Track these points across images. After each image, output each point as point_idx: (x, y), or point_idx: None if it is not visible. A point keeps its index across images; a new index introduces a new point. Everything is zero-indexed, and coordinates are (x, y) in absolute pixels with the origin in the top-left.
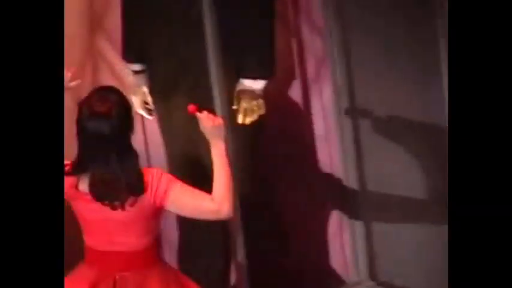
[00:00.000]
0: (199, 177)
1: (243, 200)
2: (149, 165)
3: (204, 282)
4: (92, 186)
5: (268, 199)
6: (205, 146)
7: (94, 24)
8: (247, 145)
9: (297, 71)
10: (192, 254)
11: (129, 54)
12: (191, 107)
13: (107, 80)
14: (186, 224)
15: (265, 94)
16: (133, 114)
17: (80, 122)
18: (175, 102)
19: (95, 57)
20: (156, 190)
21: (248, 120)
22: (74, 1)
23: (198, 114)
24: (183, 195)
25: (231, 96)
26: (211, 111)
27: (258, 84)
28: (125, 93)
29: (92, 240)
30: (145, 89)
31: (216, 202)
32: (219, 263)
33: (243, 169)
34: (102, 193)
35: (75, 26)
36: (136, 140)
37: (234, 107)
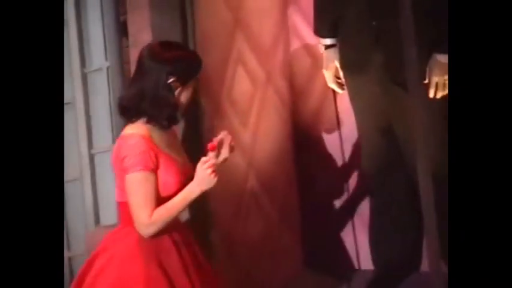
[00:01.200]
0: (390, 148)
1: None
2: (340, 138)
3: None
4: None
5: None
6: (396, 118)
7: None
8: (439, 120)
9: None
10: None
11: (321, 29)
12: (211, 145)
13: (299, 54)
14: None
15: None
16: None
17: None
18: (366, 77)
19: (287, 32)
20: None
21: (439, 95)
22: None
23: (204, 158)
24: (138, 187)
25: (423, 70)
26: (232, 148)
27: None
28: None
29: None
30: (336, 63)
31: (152, 218)
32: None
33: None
34: None
35: (267, 2)
36: (329, 114)
37: (426, 81)
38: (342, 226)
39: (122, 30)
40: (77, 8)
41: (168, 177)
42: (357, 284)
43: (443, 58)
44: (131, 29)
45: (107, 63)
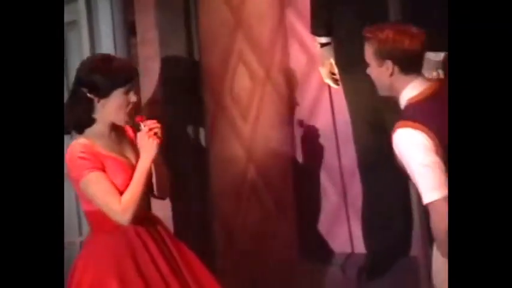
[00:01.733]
0: (381, 142)
1: None
2: (335, 131)
3: None
4: None
5: None
6: (389, 113)
7: (285, 0)
8: None
9: None
10: None
11: (317, 28)
12: (139, 118)
13: (296, 53)
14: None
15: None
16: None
17: None
18: (360, 73)
19: (285, 31)
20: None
21: None
22: None
23: (141, 127)
24: (94, 186)
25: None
26: (158, 124)
27: (438, 57)
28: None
29: None
30: (331, 60)
31: (122, 205)
32: None
33: None
34: None
35: (266, 4)
36: (324, 108)
37: None
38: (336, 214)
39: (130, 29)
40: (88, 9)
41: (116, 176)
42: (350, 267)
43: (431, 55)
44: (139, 28)
45: None
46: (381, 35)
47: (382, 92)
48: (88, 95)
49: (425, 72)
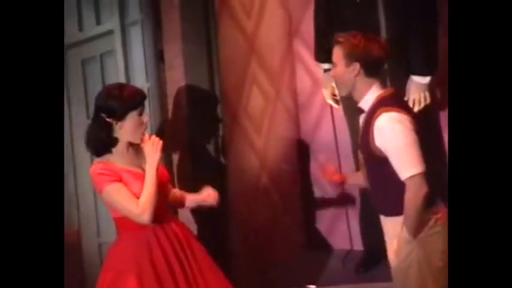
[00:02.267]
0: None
1: None
2: (336, 144)
3: None
4: None
5: None
6: None
7: (292, 30)
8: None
9: None
10: None
11: (320, 55)
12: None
13: (302, 77)
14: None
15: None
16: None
17: None
18: None
19: (293, 58)
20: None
21: (416, 109)
22: (276, 13)
23: (146, 136)
24: (114, 195)
25: (403, 89)
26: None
27: (424, 80)
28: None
29: None
30: (333, 84)
31: (139, 207)
32: None
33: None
34: None
35: (276, 35)
36: (327, 124)
37: (405, 99)
38: (337, 214)
39: (159, 57)
40: (123, 40)
41: (132, 185)
42: (349, 262)
43: (418, 79)
44: (167, 56)
45: (148, 85)
46: (353, 40)
47: (343, 91)
48: (107, 119)
49: (412, 94)
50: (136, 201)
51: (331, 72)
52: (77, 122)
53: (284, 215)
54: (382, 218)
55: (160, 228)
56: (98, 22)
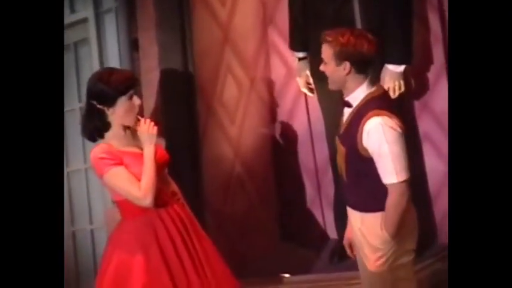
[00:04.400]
0: None
1: None
2: (310, 132)
3: None
4: None
5: None
6: None
7: (267, 19)
8: None
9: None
10: None
11: (295, 44)
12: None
13: (277, 65)
14: None
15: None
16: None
17: None
18: None
19: (267, 47)
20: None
21: (394, 96)
22: (250, 1)
23: (141, 120)
24: (116, 179)
25: (378, 78)
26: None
27: (399, 68)
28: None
29: None
30: (307, 72)
31: (141, 190)
32: None
33: None
34: None
35: (250, 23)
36: (301, 113)
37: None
38: (311, 204)
39: (134, 45)
40: (97, 28)
41: (134, 167)
42: (324, 252)
43: (393, 67)
44: (141, 44)
45: None
46: (342, 39)
47: (333, 86)
48: (98, 106)
49: (386, 82)
50: (138, 184)
51: (321, 67)
52: None
53: (259, 204)
54: (351, 211)
55: (164, 210)
56: (72, 10)
